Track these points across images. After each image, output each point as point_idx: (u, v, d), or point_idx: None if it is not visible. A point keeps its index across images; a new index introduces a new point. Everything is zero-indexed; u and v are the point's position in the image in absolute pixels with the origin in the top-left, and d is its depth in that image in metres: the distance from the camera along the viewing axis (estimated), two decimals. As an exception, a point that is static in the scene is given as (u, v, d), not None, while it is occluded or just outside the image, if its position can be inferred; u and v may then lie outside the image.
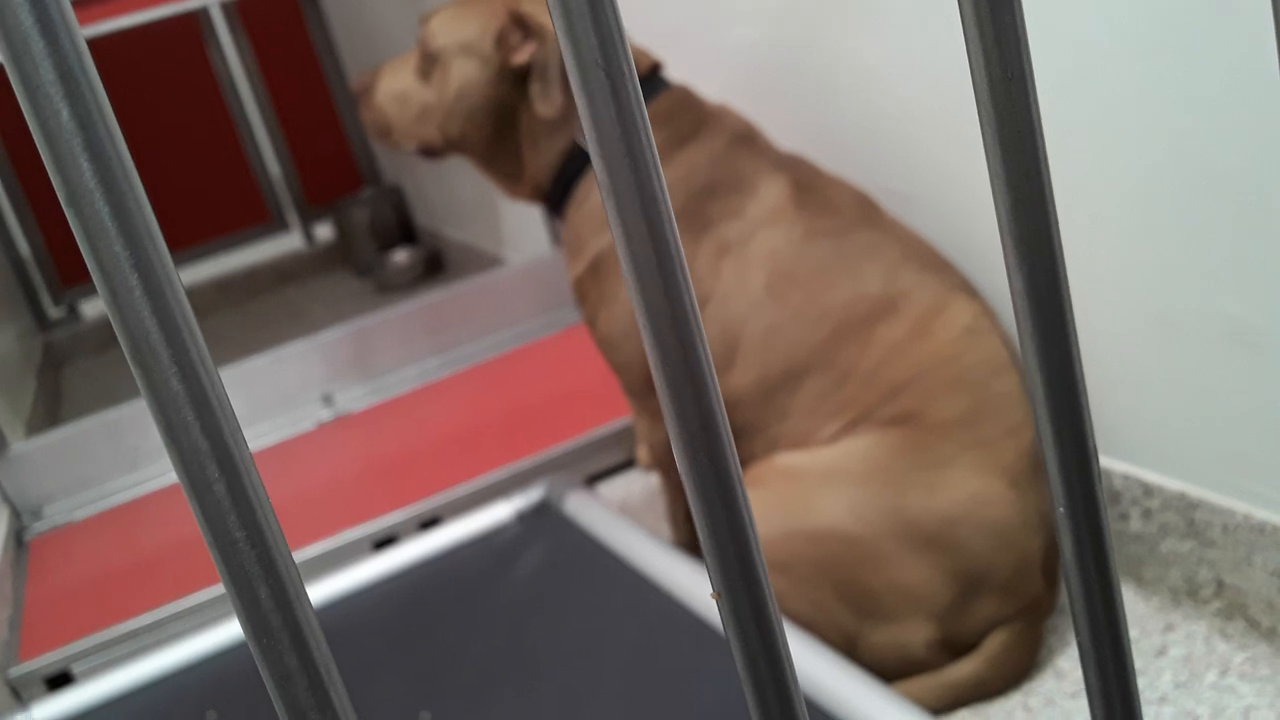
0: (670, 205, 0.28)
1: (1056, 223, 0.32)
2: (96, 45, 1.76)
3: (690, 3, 1.53)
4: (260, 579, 0.26)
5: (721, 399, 0.30)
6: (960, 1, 0.29)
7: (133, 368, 0.25)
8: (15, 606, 1.57)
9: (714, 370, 0.30)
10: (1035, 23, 1.03)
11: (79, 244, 0.25)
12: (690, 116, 1.23)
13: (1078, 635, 0.36)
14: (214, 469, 0.25)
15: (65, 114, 0.23)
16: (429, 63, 1.29)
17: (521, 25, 1.24)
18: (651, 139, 0.28)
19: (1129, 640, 0.36)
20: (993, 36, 0.29)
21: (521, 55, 1.23)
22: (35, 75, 0.22)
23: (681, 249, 0.28)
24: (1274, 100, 0.87)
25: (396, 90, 1.32)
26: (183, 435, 0.25)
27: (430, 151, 1.34)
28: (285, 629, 0.26)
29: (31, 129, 0.24)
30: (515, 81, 1.26)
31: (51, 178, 0.24)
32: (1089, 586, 0.34)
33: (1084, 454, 0.34)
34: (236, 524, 0.26)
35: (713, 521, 0.30)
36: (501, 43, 1.24)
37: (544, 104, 1.22)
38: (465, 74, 1.26)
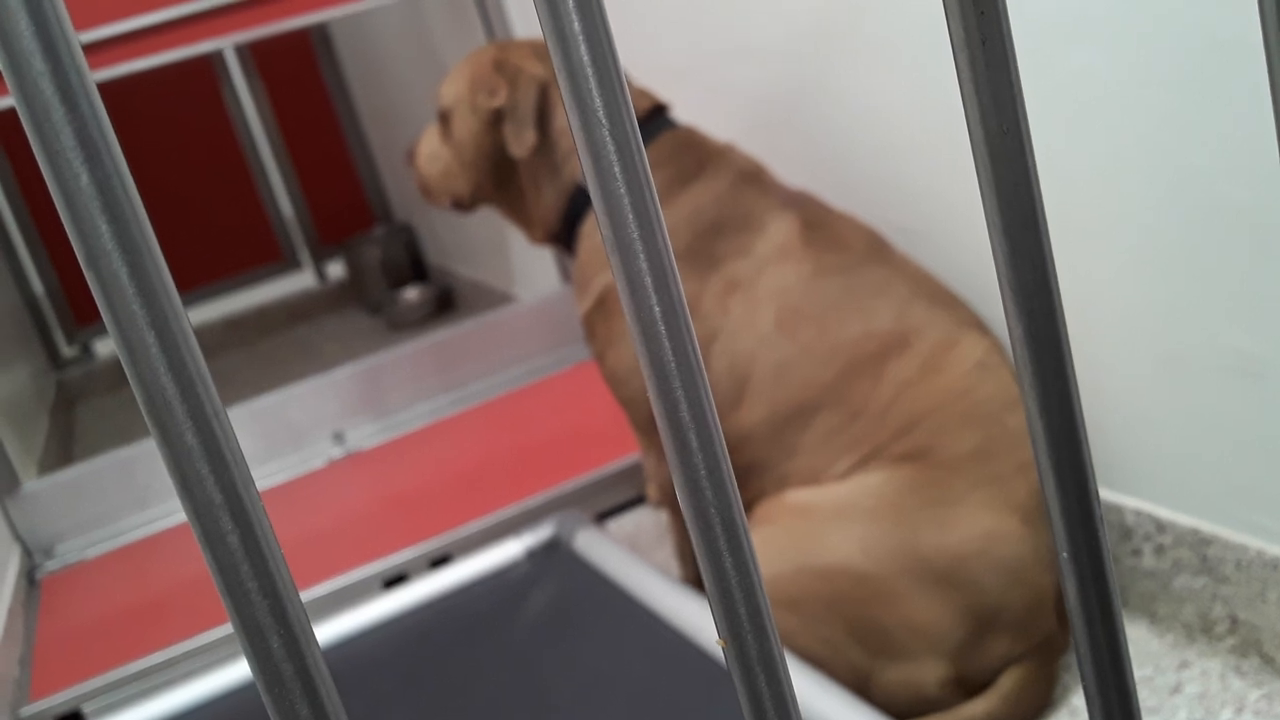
0: (674, 260, 0.29)
1: (1055, 273, 0.32)
2: (112, 88, 1.78)
3: (700, 43, 1.55)
4: (272, 629, 0.26)
5: (726, 450, 0.30)
6: (956, 58, 0.30)
7: (148, 422, 0.26)
8: (26, 645, 1.57)
9: (720, 424, 0.30)
10: (1042, 60, 1.04)
11: (97, 302, 0.25)
12: (694, 156, 1.24)
13: (1083, 680, 0.36)
14: (227, 520, 0.26)
15: (85, 178, 0.23)
16: (445, 122, 1.36)
17: (500, 70, 1.28)
18: (655, 193, 0.28)
19: (1135, 685, 0.36)
20: (989, 92, 0.30)
21: (496, 99, 1.27)
22: (56, 141, 0.23)
23: (685, 304, 0.29)
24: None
25: (429, 151, 1.40)
26: (197, 488, 0.26)
27: (460, 205, 1.39)
28: (297, 678, 0.27)
29: (52, 192, 0.24)
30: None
31: (71, 238, 0.24)
32: (1094, 632, 0.34)
33: (1086, 499, 0.34)
34: (249, 574, 0.26)
35: (718, 570, 0.30)
36: (480, 88, 1.28)
37: (516, 144, 1.26)
38: (464, 127, 1.32)
